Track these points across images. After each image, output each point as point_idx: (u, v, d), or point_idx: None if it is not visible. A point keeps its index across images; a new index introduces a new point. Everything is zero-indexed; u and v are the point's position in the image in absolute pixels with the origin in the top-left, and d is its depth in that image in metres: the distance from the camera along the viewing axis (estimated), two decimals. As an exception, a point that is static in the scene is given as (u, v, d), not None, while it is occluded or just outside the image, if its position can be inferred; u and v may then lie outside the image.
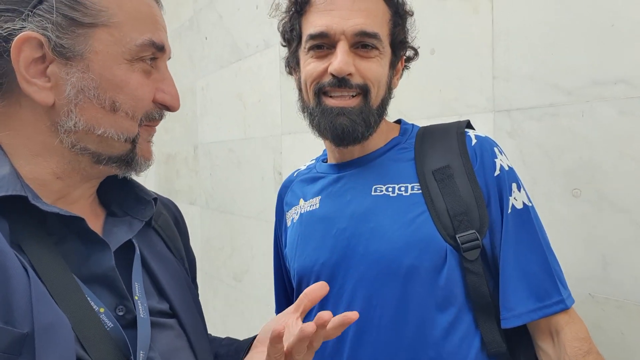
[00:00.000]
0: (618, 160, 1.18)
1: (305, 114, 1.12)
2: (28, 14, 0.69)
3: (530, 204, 1.05)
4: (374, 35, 1.02)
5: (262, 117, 2.74)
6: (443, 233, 1.00)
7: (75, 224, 0.72)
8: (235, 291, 3.08)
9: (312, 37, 1.04)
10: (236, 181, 3.07)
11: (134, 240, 0.82)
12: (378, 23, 1.04)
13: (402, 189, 1.06)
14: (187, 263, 0.99)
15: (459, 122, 1.14)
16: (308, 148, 2.33)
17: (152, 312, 0.77)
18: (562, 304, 0.98)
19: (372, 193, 1.08)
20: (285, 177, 2.60)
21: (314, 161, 1.31)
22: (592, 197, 1.24)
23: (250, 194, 2.90)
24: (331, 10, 1.02)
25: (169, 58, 0.82)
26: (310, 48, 1.06)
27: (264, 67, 2.69)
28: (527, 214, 1.03)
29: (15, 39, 0.67)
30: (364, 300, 1.03)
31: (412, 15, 1.14)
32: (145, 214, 0.86)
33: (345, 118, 1.03)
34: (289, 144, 2.51)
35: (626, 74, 1.16)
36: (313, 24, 1.04)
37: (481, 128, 1.29)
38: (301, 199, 1.22)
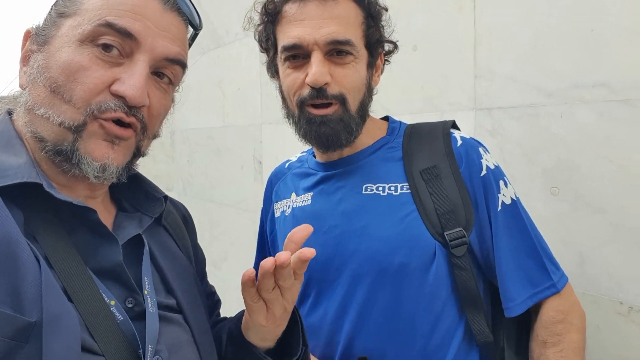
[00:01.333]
0: (595, 162, 1.22)
1: (291, 121, 1.13)
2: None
3: (516, 198, 1.09)
4: (346, 42, 1.03)
5: (242, 105, 2.72)
6: (432, 231, 1.04)
7: (86, 216, 0.72)
8: (213, 278, 3.08)
9: (286, 48, 1.05)
10: (215, 169, 3.05)
11: (143, 235, 0.82)
12: (350, 28, 1.05)
13: (392, 188, 1.09)
14: (195, 261, 1.00)
15: (444, 123, 1.16)
16: (288, 138, 2.32)
17: (160, 307, 0.78)
18: (554, 287, 1.05)
19: (363, 192, 1.11)
20: (265, 166, 2.60)
21: (305, 153, 1.33)
22: (569, 196, 1.27)
23: (230, 183, 2.89)
24: (302, 20, 1.03)
25: (168, 58, 0.78)
26: (286, 59, 1.07)
27: (243, 56, 2.67)
28: (515, 208, 1.08)
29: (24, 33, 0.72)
30: (357, 296, 1.07)
31: (386, 11, 1.15)
32: (155, 210, 0.86)
33: (327, 127, 1.05)
34: (269, 134, 2.51)
35: (606, 77, 1.19)
36: (286, 35, 1.05)
37: (462, 126, 1.31)
38: (293, 193, 1.23)
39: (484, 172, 1.07)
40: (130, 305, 0.73)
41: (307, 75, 1.03)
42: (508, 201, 1.07)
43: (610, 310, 1.22)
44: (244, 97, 2.69)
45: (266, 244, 1.36)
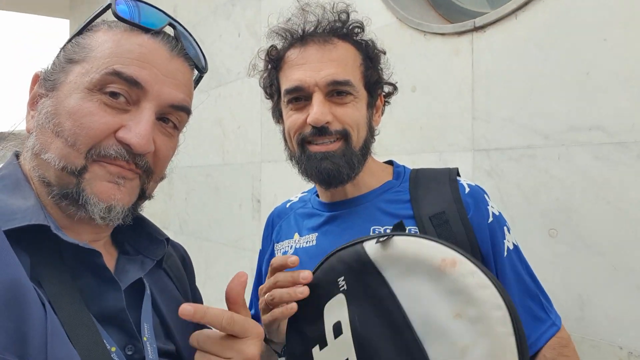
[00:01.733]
0: (593, 203, 1.22)
1: (293, 162, 1.16)
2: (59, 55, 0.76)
3: (516, 242, 1.11)
4: (345, 83, 1.07)
5: (242, 144, 2.74)
6: None
7: (91, 259, 0.72)
8: (208, 318, 3.04)
9: (289, 91, 1.09)
10: (213, 207, 3.05)
11: (144, 279, 0.81)
12: (349, 70, 1.09)
13: None
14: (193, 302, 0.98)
15: (449, 170, 1.18)
16: (288, 176, 2.34)
17: (159, 353, 0.77)
18: (554, 326, 1.07)
19: (371, 234, 1.10)
20: (263, 204, 2.60)
21: (306, 193, 1.33)
22: (568, 238, 1.27)
23: (228, 221, 2.89)
24: (303, 64, 1.08)
25: (173, 105, 0.78)
26: (289, 101, 1.11)
27: (244, 94, 2.71)
28: (518, 253, 1.10)
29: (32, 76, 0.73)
30: None
31: (384, 54, 1.19)
32: (157, 253, 0.86)
33: (329, 162, 1.07)
34: (268, 172, 2.52)
35: (601, 121, 1.21)
36: (288, 78, 1.10)
37: (461, 166, 1.32)
38: (296, 233, 1.23)
39: (490, 219, 1.09)
40: (129, 352, 0.72)
41: (308, 115, 1.07)
42: (511, 247, 1.09)
43: (610, 354, 1.20)
44: (244, 135, 2.71)
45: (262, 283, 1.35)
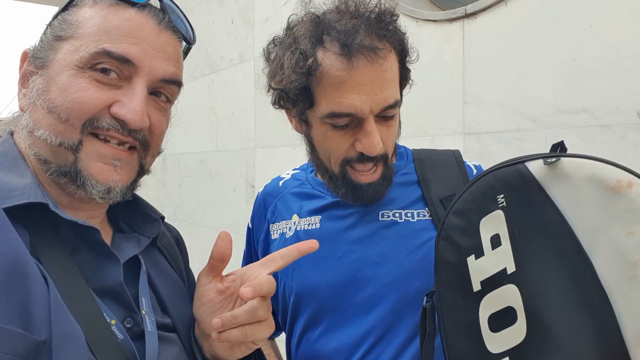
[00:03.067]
0: (578, 184, 1.27)
1: (322, 172, 1.12)
2: (45, 32, 0.76)
3: None
4: (395, 104, 1.00)
5: (236, 130, 2.77)
6: None
7: (90, 236, 0.73)
8: (203, 303, 3.07)
9: (337, 115, 0.99)
10: (207, 193, 3.08)
11: (140, 256, 0.83)
12: (396, 86, 1.02)
13: (409, 215, 1.09)
14: (188, 284, 1.00)
15: (453, 151, 1.18)
16: (282, 162, 2.37)
17: (157, 326, 0.79)
18: None
19: (380, 218, 1.10)
20: (257, 190, 2.63)
21: (299, 171, 1.29)
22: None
23: (222, 206, 2.92)
24: (354, 87, 0.96)
25: (165, 79, 0.78)
26: (332, 123, 1.02)
27: (238, 81, 2.73)
28: None
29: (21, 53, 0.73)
30: (379, 321, 1.05)
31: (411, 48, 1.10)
32: (152, 231, 0.87)
33: (372, 190, 1.05)
34: (262, 157, 2.55)
35: (587, 104, 1.26)
36: (336, 101, 0.98)
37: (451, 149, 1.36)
38: (295, 215, 1.20)
39: None
40: (128, 325, 0.74)
41: (355, 140, 1.01)
42: None
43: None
44: (238, 122, 2.74)
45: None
